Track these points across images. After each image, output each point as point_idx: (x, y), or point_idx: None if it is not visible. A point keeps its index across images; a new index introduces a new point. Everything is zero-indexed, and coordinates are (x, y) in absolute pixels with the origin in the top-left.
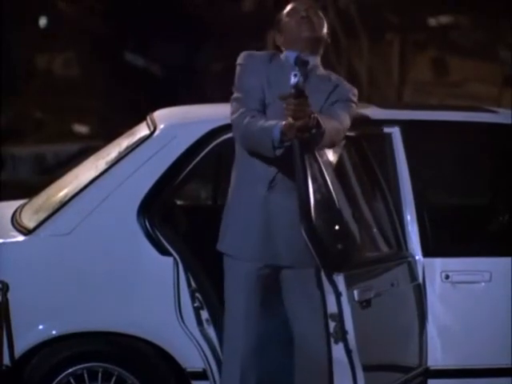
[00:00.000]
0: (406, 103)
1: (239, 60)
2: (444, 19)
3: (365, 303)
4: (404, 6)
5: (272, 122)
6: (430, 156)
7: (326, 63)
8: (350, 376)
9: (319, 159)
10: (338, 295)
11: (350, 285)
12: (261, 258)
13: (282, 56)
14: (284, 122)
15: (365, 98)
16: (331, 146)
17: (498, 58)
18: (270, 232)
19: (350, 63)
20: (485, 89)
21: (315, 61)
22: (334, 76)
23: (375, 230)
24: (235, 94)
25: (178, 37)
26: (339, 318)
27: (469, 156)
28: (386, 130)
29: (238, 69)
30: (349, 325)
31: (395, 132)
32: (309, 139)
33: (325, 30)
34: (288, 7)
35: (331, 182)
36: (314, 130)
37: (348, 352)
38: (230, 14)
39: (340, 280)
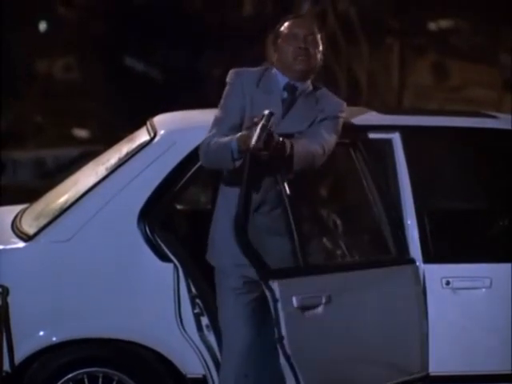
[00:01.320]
0: (407, 108)
1: (228, 78)
2: (444, 23)
3: (308, 309)
4: (404, 11)
5: (230, 137)
6: (430, 161)
7: (327, 68)
8: (294, 381)
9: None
10: (274, 301)
11: (287, 291)
12: (249, 272)
13: (273, 73)
14: (239, 134)
15: (365, 103)
16: (307, 168)
17: (498, 62)
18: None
19: (350, 68)
20: (485, 93)
21: (305, 85)
22: (323, 94)
23: (358, 235)
24: (217, 112)
25: (179, 41)
26: (277, 323)
27: (469, 162)
28: (387, 135)
29: (226, 87)
30: (284, 331)
31: (395, 137)
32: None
33: (320, 56)
34: (287, 26)
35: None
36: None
37: (287, 357)
38: (230, 18)
39: (276, 287)
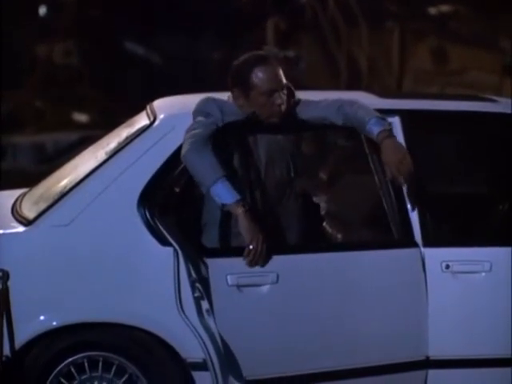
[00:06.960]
0: (406, 92)
1: (204, 106)
2: (444, 8)
3: (249, 287)
4: None
5: (221, 173)
6: (429, 145)
7: (326, 52)
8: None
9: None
10: (208, 278)
11: (221, 270)
12: None
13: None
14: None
15: (364, 87)
16: None
17: (498, 46)
18: None
19: (350, 52)
20: (485, 77)
21: None
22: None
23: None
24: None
25: (179, 26)
26: (209, 300)
27: (469, 145)
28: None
29: (201, 116)
30: (218, 308)
31: (395, 121)
32: None
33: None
34: (261, 80)
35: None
36: None
37: (218, 333)
38: (230, 2)
39: (211, 264)
